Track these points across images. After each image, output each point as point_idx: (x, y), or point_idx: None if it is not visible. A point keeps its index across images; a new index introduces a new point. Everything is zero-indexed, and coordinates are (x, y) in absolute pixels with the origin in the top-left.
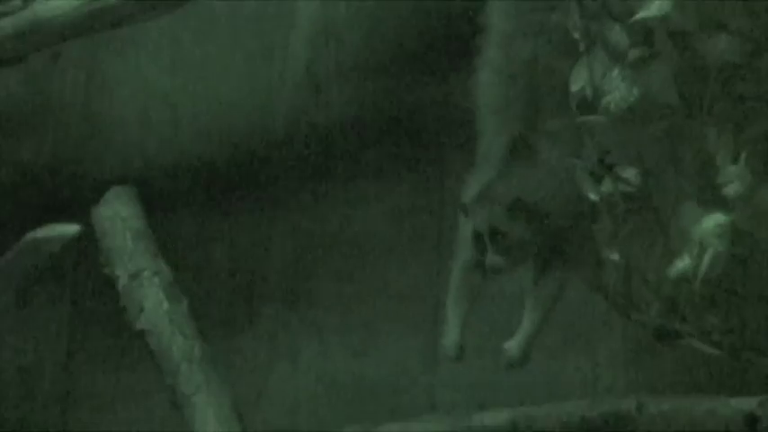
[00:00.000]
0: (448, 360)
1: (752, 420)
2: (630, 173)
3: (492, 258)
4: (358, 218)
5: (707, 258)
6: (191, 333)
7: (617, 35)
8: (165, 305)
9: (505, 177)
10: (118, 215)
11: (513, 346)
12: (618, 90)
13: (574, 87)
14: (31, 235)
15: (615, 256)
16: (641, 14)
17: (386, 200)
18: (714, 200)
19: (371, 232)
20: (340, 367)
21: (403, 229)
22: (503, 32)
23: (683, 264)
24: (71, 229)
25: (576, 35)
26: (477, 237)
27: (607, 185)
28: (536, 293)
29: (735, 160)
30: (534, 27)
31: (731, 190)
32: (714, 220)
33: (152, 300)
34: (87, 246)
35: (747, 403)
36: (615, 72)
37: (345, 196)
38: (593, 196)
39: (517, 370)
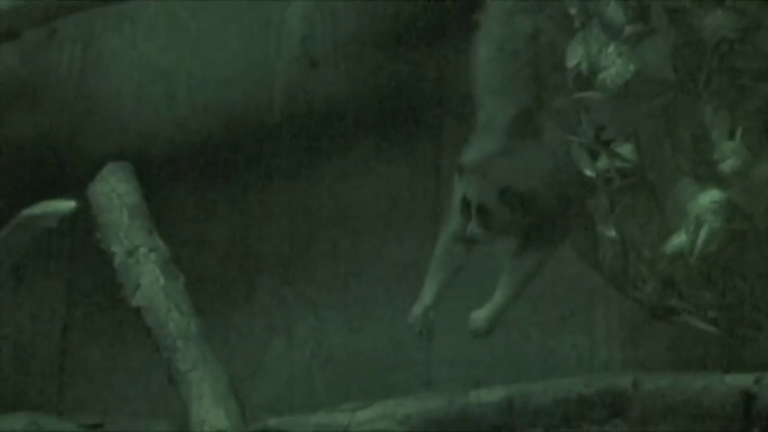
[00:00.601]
0: (414, 332)
1: (748, 397)
2: (626, 149)
3: (473, 229)
4: (354, 193)
5: (703, 234)
6: (187, 309)
7: (613, 11)
8: (162, 282)
9: (506, 156)
10: (114, 191)
11: (479, 316)
12: (614, 66)
13: (570, 63)
14: (27, 211)
15: (611, 233)
16: None
17: (382, 175)
18: (710, 176)
19: (368, 208)
20: (336, 343)
21: (399, 205)
22: (502, 8)
23: (679, 240)
24: (67, 205)
25: (573, 11)
26: (465, 204)
27: (603, 161)
28: (513, 268)
29: (731, 136)
30: (534, 3)
31: (727, 166)
32: (710, 196)
33: (148, 276)
34: (83, 222)
35: (743, 380)
36: (611, 48)
37: (342, 172)
38: (589, 172)
39: (481, 340)
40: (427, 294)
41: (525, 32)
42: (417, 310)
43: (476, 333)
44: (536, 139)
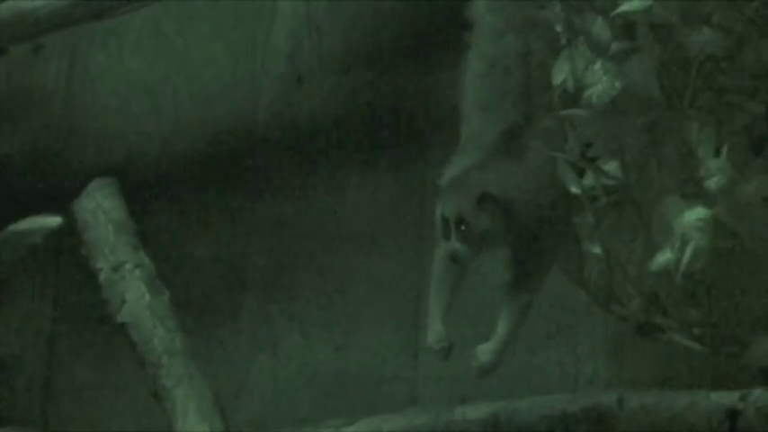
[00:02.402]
0: (435, 356)
1: (732, 414)
2: (612, 166)
3: (454, 246)
4: (340, 210)
5: (688, 252)
6: (172, 325)
7: (599, 28)
8: (147, 298)
9: (484, 168)
10: (100, 207)
11: (485, 351)
12: (600, 83)
13: (556, 80)
14: (13, 227)
15: (597, 250)
16: (623, 7)
17: (367, 191)
18: (696, 193)
19: (353, 224)
20: (321, 360)
21: (385, 221)
22: (493, 27)
23: (664, 257)
24: (53, 221)
25: (558, 28)
26: (445, 221)
27: (589, 178)
28: (510, 299)
29: (716, 153)
30: (525, 23)
31: (713, 183)
32: (696, 214)
33: (134, 292)
34: (69, 238)
35: (728, 397)
36: (597, 65)
37: (327, 188)
38: (574, 189)
39: (489, 375)
40: (436, 321)
41: (516, 51)
42: (433, 338)
43: (483, 369)
44: (519, 158)
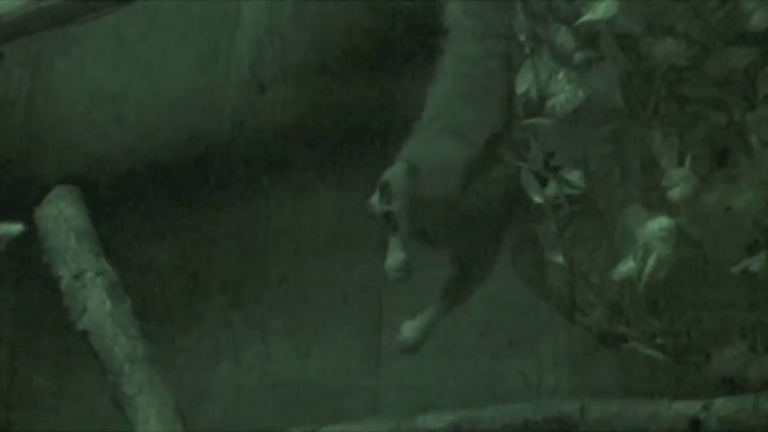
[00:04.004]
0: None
1: (695, 424)
2: (575, 175)
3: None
4: (302, 218)
5: (651, 261)
6: (134, 333)
7: (563, 37)
8: (109, 305)
9: (467, 165)
10: (62, 215)
11: (409, 326)
12: (563, 92)
13: (519, 89)
14: None
15: (559, 259)
16: (587, 17)
17: (330, 199)
18: (659, 203)
19: (316, 233)
20: (283, 368)
21: (348, 229)
22: (473, 31)
23: (627, 267)
24: (14, 228)
25: (522, 37)
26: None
27: (552, 188)
28: (449, 287)
29: (680, 163)
30: (506, 29)
31: (676, 193)
32: (659, 224)
33: (95, 300)
34: (31, 246)
35: (691, 407)
36: (561, 74)
37: (290, 196)
38: (537, 198)
39: (411, 354)
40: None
41: (498, 55)
42: (392, 262)
43: (404, 344)
44: (488, 169)
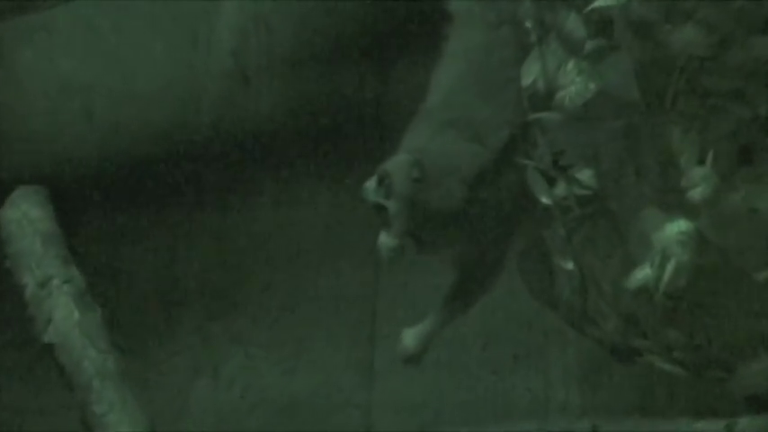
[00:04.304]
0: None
1: None
2: (586, 174)
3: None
4: (289, 221)
5: (669, 268)
6: (104, 346)
7: (573, 25)
8: (77, 316)
9: (482, 167)
10: (26, 217)
11: (410, 336)
12: (573, 84)
13: (525, 81)
14: None
15: (568, 266)
16: (599, 2)
17: (320, 201)
18: (678, 204)
19: (303, 236)
20: (267, 384)
21: (338, 234)
22: (483, 19)
23: (643, 274)
24: None
25: (528, 23)
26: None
27: (561, 188)
28: (452, 293)
29: (700, 161)
30: (518, 16)
31: (696, 194)
32: (677, 227)
33: (62, 310)
34: None
35: (713, 426)
36: (570, 65)
37: (275, 197)
38: (545, 200)
39: (412, 364)
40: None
41: (514, 44)
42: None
43: (405, 354)
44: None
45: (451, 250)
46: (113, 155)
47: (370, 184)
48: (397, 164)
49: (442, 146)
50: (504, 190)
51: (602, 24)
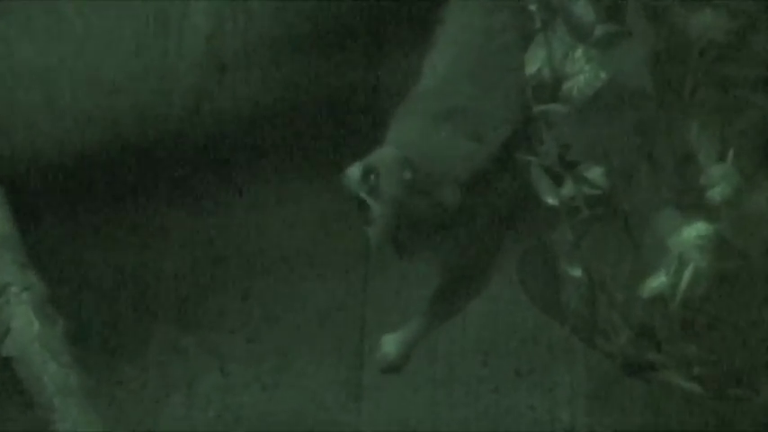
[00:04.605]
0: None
1: None
2: (596, 172)
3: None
4: (270, 222)
5: (687, 275)
6: (67, 360)
7: (581, 8)
8: (36, 327)
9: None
10: None
11: (391, 342)
12: (582, 74)
13: (529, 69)
14: None
15: (576, 273)
16: None
17: (304, 202)
18: (696, 205)
19: (286, 239)
20: (245, 402)
21: (324, 237)
22: (482, 5)
23: (658, 282)
24: None
25: (533, 6)
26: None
27: (568, 187)
28: (437, 297)
29: (721, 158)
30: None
31: (716, 194)
32: (696, 230)
33: (20, 320)
34: None
35: None
36: (579, 52)
37: (255, 196)
38: (550, 200)
39: (393, 373)
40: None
41: (516, 28)
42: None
43: (385, 361)
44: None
45: (436, 255)
46: (77, 149)
47: (354, 172)
48: (386, 161)
49: (435, 142)
50: (501, 191)
51: (613, 8)
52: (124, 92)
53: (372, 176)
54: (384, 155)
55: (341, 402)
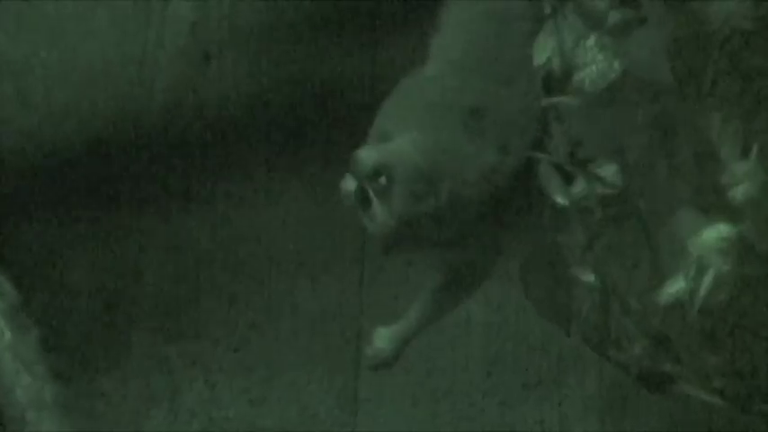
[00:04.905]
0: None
1: None
2: (610, 170)
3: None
4: (258, 223)
5: (707, 280)
6: (41, 372)
7: None
8: (8, 336)
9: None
10: None
11: (383, 337)
12: (594, 64)
13: (538, 60)
14: None
15: (589, 277)
16: None
17: (294, 201)
18: (717, 205)
19: (275, 242)
20: (231, 416)
21: (316, 240)
22: None
23: (676, 287)
24: None
25: None
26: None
27: (580, 186)
28: (434, 293)
29: (744, 155)
30: None
31: (739, 193)
32: (717, 232)
33: None
34: None
35: None
36: (591, 40)
37: (242, 195)
38: (560, 200)
39: (385, 369)
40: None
41: (531, 17)
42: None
43: (376, 357)
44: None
45: (437, 250)
46: (51, 145)
47: (367, 158)
48: (405, 167)
49: (462, 154)
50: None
51: None
52: (101, 84)
53: (384, 179)
54: (404, 158)
55: (335, 416)
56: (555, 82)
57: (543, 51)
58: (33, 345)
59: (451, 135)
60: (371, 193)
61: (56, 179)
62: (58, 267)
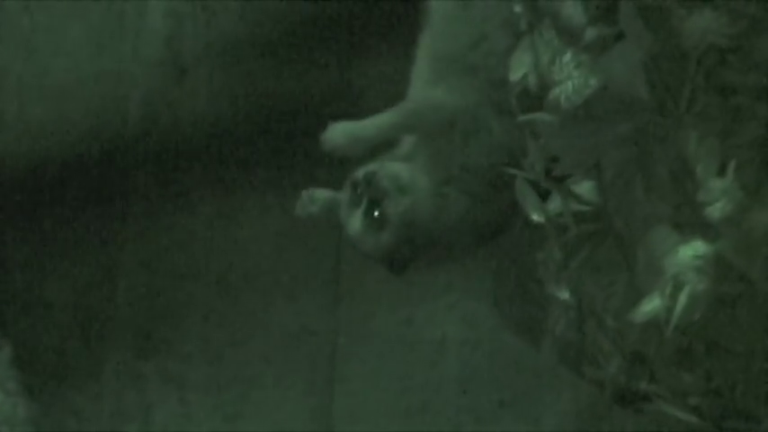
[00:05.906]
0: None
1: None
2: (586, 187)
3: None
4: (232, 238)
5: (683, 298)
6: (13, 389)
7: (570, 9)
8: None
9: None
10: None
11: (339, 131)
12: (571, 80)
13: (514, 76)
14: None
15: (564, 295)
16: None
17: (269, 215)
18: (693, 223)
19: (250, 257)
20: None
21: (293, 256)
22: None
23: (652, 305)
24: None
25: (518, 8)
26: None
27: (555, 203)
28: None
29: (721, 172)
30: None
31: (716, 210)
32: (693, 250)
33: None
34: None
35: None
36: (567, 57)
37: (216, 209)
38: (536, 217)
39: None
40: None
41: (502, 22)
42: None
43: (328, 141)
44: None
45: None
46: (24, 160)
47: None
48: (398, 209)
49: (443, 206)
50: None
51: (605, 9)
52: (76, 98)
53: (378, 213)
54: (399, 203)
55: None
56: (531, 98)
57: (519, 68)
58: (6, 361)
59: (436, 188)
60: (368, 220)
61: (29, 195)
62: (32, 283)
